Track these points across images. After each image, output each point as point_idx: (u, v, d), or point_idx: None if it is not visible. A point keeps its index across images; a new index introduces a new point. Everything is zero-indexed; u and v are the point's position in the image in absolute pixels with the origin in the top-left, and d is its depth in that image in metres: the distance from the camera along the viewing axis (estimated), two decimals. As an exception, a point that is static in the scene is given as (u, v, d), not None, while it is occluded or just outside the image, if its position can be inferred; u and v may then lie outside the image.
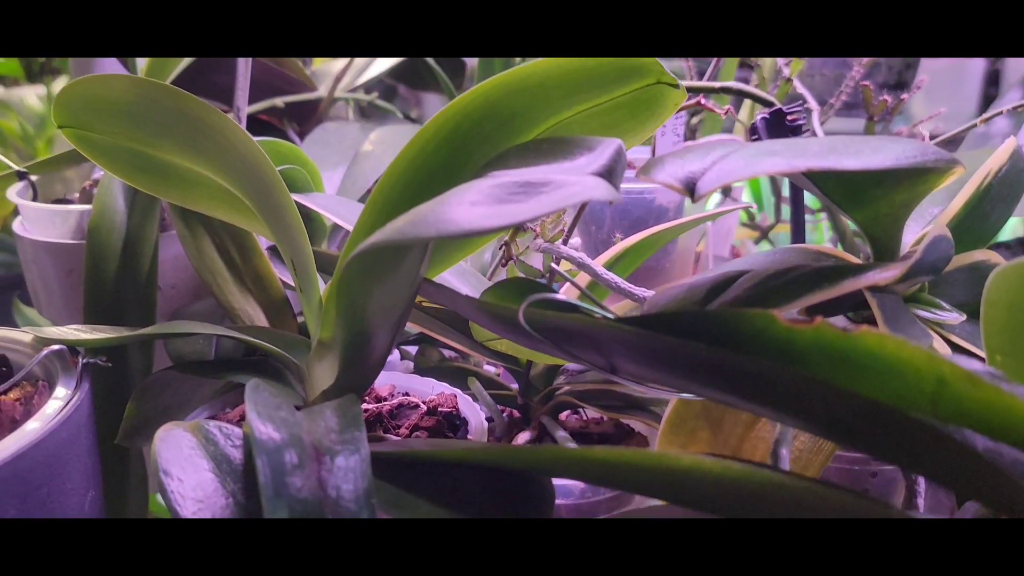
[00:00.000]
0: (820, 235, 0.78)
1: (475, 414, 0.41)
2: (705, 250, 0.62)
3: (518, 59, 0.74)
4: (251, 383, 0.31)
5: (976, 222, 0.38)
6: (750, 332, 0.24)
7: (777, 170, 0.27)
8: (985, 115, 0.40)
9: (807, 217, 0.53)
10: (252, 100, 0.65)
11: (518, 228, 0.46)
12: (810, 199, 0.68)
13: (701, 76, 0.62)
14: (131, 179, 0.45)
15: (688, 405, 0.37)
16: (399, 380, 0.46)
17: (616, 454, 0.25)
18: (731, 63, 0.67)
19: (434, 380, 0.45)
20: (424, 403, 0.42)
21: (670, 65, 0.84)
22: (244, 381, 0.41)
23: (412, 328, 0.48)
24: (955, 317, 0.36)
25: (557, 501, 0.34)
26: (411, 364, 0.56)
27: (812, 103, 0.48)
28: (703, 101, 0.42)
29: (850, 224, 0.49)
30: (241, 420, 0.41)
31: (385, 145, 0.65)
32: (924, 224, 0.43)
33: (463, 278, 0.48)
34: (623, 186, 0.41)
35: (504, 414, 0.49)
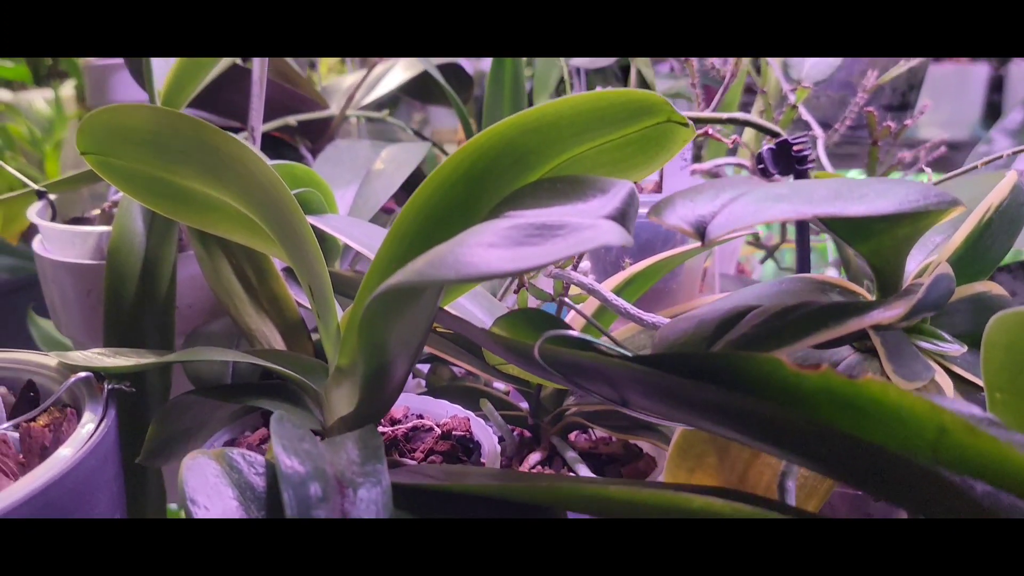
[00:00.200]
0: (824, 250, 0.79)
1: (488, 437, 0.42)
2: (711, 268, 0.63)
3: (521, 61, 0.75)
4: (275, 415, 0.32)
5: (977, 255, 0.39)
6: (758, 376, 0.25)
7: (784, 217, 0.28)
8: (984, 159, 0.41)
9: (812, 236, 0.54)
10: (266, 119, 0.66)
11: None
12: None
13: (707, 93, 0.63)
14: (151, 203, 0.46)
15: (696, 431, 0.38)
16: (412, 402, 0.47)
17: (631, 493, 0.26)
18: (736, 88, 0.68)
19: (447, 402, 0.46)
20: (438, 426, 0.43)
21: (676, 84, 0.85)
22: (262, 406, 0.42)
23: (425, 350, 0.49)
24: (956, 348, 0.37)
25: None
26: (422, 382, 0.57)
27: (817, 130, 0.49)
28: (710, 132, 0.43)
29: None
30: (261, 444, 0.42)
31: (396, 163, 0.66)
32: (927, 251, 0.44)
33: (475, 300, 0.50)
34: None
35: (515, 433, 0.50)
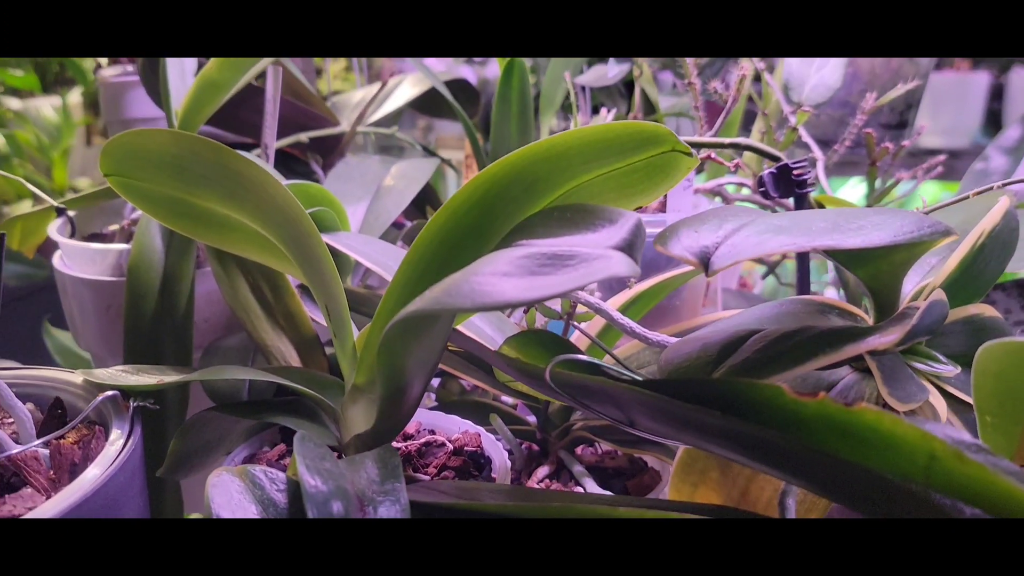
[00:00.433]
0: (824, 264, 0.81)
1: (498, 453, 0.44)
2: (714, 283, 0.65)
3: (528, 79, 0.76)
4: (298, 435, 0.34)
5: (971, 278, 0.40)
6: (759, 401, 0.27)
7: (784, 249, 0.29)
8: (975, 191, 0.42)
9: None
10: (278, 136, 0.68)
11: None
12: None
13: (709, 111, 0.65)
14: (170, 223, 0.47)
15: (699, 448, 0.40)
16: (424, 417, 0.48)
17: (639, 515, 0.27)
18: (737, 111, 0.70)
19: (457, 417, 0.48)
20: (450, 441, 0.45)
21: (679, 101, 0.86)
22: (280, 422, 0.43)
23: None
24: (950, 370, 0.38)
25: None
26: (433, 396, 0.59)
27: (817, 152, 0.51)
28: (712, 156, 0.45)
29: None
30: (280, 459, 0.43)
31: (406, 180, 0.68)
32: (923, 273, 0.46)
33: (485, 316, 0.51)
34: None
35: (523, 447, 0.51)
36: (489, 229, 0.38)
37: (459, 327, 0.45)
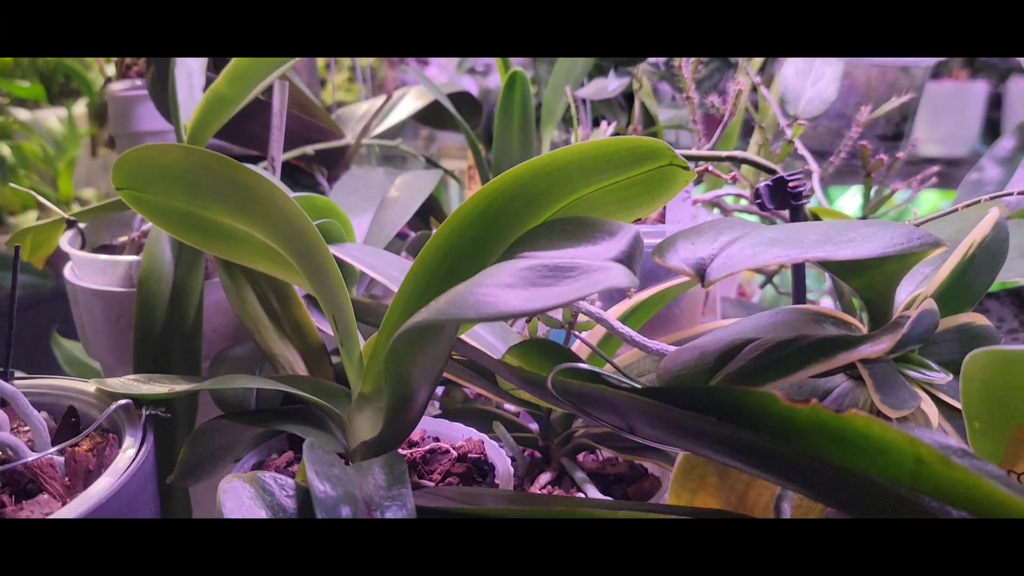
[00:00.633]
0: (823, 277, 0.82)
1: (502, 460, 0.45)
2: (713, 292, 0.66)
3: (530, 92, 0.78)
4: (307, 442, 0.35)
5: (962, 288, 0.41)
6: (755, 408, 0.28)
7: (778, 261, 0.30)
8: (964, 203, 0.43)
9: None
10: (285, 148, 0.69)
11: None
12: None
13: (707, 124, 0.66)
14: (180, 235, 0.48)
15: (698, 454, 0.41)
16: (428, 424, 0.49)
17: (639, 517, 0.28)
18: (735, 123, 0.71)
19: (461, 424, 0.49)
20: (454, 448, 0.46)
21: (678, 113, 0.87)
22: (288, 430, 0.44)
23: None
24: (942, 377, 0.39)
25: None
26: (437, 403, 0.59)
27: (812, 164, 0.52)
28: (710, 168, 0.46)
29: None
30: (288, 466, 0.44)
31: (410, 191, 0.69)
32: (916, 282, 0.47)
33: (488, 325, 0.52)
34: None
35: (525, 454, 0.52)
36: (492, 241, 0.39)
37: (463, 336, 0.46)
